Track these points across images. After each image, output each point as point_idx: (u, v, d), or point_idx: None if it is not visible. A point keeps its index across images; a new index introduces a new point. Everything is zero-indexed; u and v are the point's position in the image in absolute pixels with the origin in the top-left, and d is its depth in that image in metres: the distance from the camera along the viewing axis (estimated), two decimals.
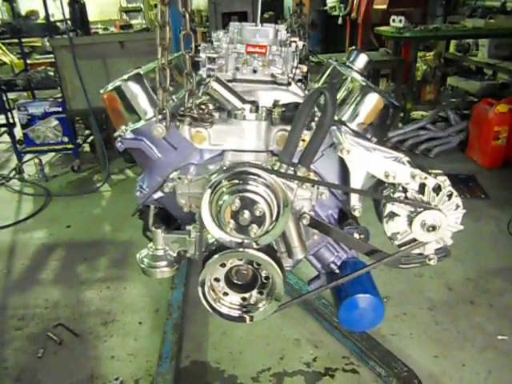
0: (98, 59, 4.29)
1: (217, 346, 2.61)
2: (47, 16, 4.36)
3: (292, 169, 1.06)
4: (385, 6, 8.32)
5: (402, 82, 5.18)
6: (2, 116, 5.01)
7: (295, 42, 1.34)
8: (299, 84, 1.41)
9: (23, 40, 5.51)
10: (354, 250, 1.30)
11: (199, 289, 1.15)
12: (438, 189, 1.08)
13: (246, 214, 1.00)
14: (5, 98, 5.25)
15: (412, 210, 1.09)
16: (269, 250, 1.12)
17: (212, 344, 2.61)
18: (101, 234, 3.84)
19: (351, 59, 1.55)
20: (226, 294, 1.19)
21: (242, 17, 4.58)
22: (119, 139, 1.20)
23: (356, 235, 1.20)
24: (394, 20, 5.20)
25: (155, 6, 10.20)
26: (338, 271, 1.32)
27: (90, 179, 4.88)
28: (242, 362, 2.49)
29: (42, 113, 4.65)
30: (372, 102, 1.18)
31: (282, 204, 1.04)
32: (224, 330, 2.69)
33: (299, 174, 1.06)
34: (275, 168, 1.05)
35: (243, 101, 1.16)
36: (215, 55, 1.31)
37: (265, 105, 1.26)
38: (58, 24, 5.24)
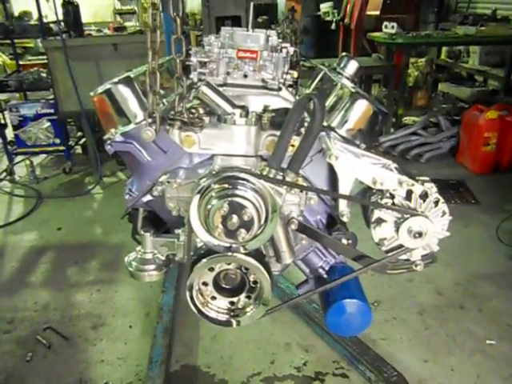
0: (91, 61, 4.28)
1: (207, 350, 2.60)
2: (40, 17, 4.35)
3: (281, 174, 1.07)
4: (377, 12, 8.40)
5: (393, 87, 5.22)
6: None
7: (286, 47, 1.34)
8: (290, 89, 1.43)
9: (16, 41, 5.50)
10: (342, 255, 1.31)
11: (187, 293, 1.15)
12: (424, 196, 1.09)
13: (235, 218, 1.01)
14: None
15: (399, 216, 1.10)
16: (257, 255, 1.12)
17: (203, 348, 2.60)
18: (92, 236, 3.82)
19: (342, 65, 1.57)
20: (214, 298, 1.19)
21: (236, 21, 4.60)
22: (109, 142, 1.19)
23: (344, 240, 1.20)
24: (386, 26, 5.25)
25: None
26: (326, 276, 1.32)
27: (81, 181, 4.85)
28: (232, 367, 2.48)
29: (34, 114, 4.63)
30: (361, 108, 1.19)
31: (270, 209, 1.04)
32: (215, 334, 2.69)
33: (288, 179, 1.06)
34: (264, 173, 1.06)
35: (233, 105, 1.17)
36: (206, 59, 1.32)
37: (255, 110, 1.26)
38: (51, 25, 5.22)
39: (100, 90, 1.21)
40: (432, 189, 1.09)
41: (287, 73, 1.37)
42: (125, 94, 1.19)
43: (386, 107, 1.41)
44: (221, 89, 1.34)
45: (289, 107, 1.19)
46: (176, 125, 1.14)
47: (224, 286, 1.19)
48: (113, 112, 1.20)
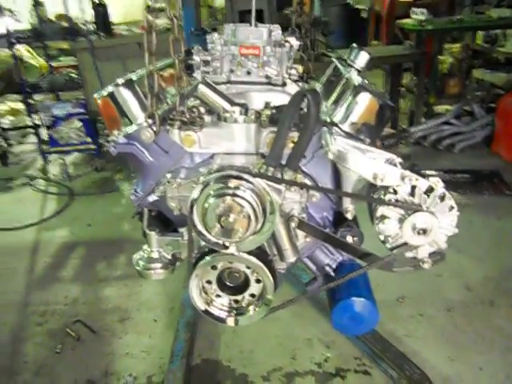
0: (118, 61, 4.37)
1: (229, 344, 2.62)
2: (69, 20, 4.48)
3: (279, 171, 1.05)
4: None
5: (424, 75, 5.05)
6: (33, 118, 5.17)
7: (288, 41, 1.32)
8: (298, 83, 1.40)
9: (53, 43, 5.69)
10: (345, 253, 1.28)
11: (189, 291, 1.16)
12: (430, 191, 1.05)
13: (231, 217, 1.00)
14: (32, 101, 5.44)
15: (403, 212, 1.06)
16: (259, 253, 1.11)
17: (224, 343, 2.63)
18: (120, 232, 3.92)
19: (351, 57, 1.52)
20: (218, 296, 1.19)
21: (258, 14, 4.56)
22: (112, 144, 1.21)
23: (349, 238, 1.17)
24: (415, 12, 5.06)
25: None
26: (333, 274, 1.30)
27: (111, 178, 4.98)
28: (253, 361, 2.49)
29: (66, 114, 4.78)
30: (364, 102, 1.14)
31: (268, 209, 1.03)
32: (236, 328, 2.70)
33: (286, 176, 1.05)
34: (261, 171, 1.04)
35: (232, 103, 1.16)
36: (209, 58, 1.32)
37: (259, 106, 1.25)
38: (81, 27, 5.36)
39: (103, 92, 1.23)
40: (438, 184, 1.04)
41: (292, 67, 1.34)
42: (126, 96, 1.21)
43: (392, 100, 1.36)
44: (224, 86, 1.34)
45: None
46: (176, 125, 1.15)
47: (228, 284, 1.19)
48: (116, 114, 1.22)
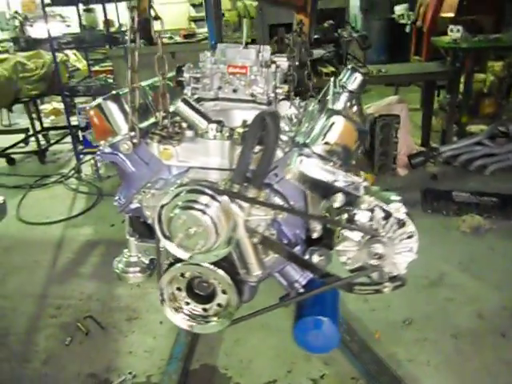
0: (152, 69, 4.54)
1: (228, 352, 2.66)
2: (107, 27, 4.71)
3: (243, 189, 1.09)
4: (452, 14, 7.94)
5: (457, 93, 4.93)
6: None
7: (274, 62, 1.36)
8: (283, 102, 1.45)
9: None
10: (307, 271, 1.29)
11: (159, 297, 1.21)
12: (388, 217, 1.05)
13: (191, 229, 1.05)
14: (72, 102, 5.75)
15: (361, 236, 1.07)
16: (225, 265, 1.15)
17: (224, 350, 2.66)
18: None
19: (344, 78, 1.55)
20: (187, 303, 1.25)
21: (289, 28, 4.62)
22: (98, 153, 1.30)
23: (315, 257, 1.19)
24: (451, 30, 4.97)
25: (222, 15, 10.51)
26: (302, 290, 1.32)
27: None
28: (249, 371, 2.52)
29: None
30: (336, 125, 1.16)
31: (229, 224, 1.07)
32: (238, 337, 2.74)
33: (249, 194, 1.09)
34: (226, 187, 1.09)
35: (209, 121, 1.22)
36: (198, 75, 1.38)
37: (241, 124, 1.30)
38: (121, 34, 5.62)
39: (93, 104, 1.32)
40: (398, 210, 1.04)
41: (278, 87, 1.39)
42: (112, 109, 1.29)
43: (364, 125, 1.34)
44: (212, 103, 1.40)
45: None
46: (155, 138, 1.22)
47: (197, 292, 1.24)
48: (103, 125, 1.30)
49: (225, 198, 1.07)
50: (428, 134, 5.58)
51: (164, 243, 1.13)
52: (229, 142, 1.19)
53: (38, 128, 6.15)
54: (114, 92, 1.33)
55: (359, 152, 1.19)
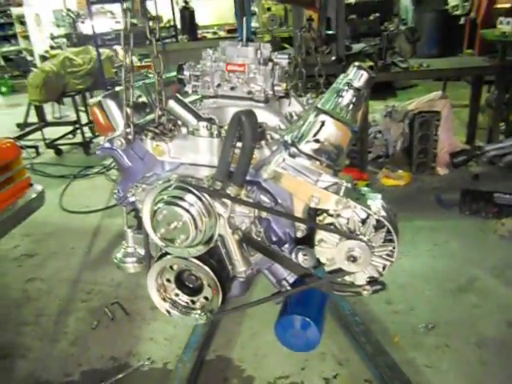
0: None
1: (244, 345, 2.69)
2: (147, 23, 4.83)
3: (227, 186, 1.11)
4: (509, 5, 7.48)
5: (505, 90, 4.65)
6: None
7: (272, 60, 1.36)
8: (282, 100, 1.45)
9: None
10: (288, 269, 1.28)
11: (149, 289, 1.26)
12: (366, 219, 1.03)
13: (172, 224, 1.09)
14: None
15: (338, 238, 1.06)
16: (209, 260, 1.18)
17: (240, 343, 2.70)
18: None
19: (350, 76, 1.52)
20: (177, 294, 1.29)
21: (327, 22, 4.55)
22: (98, 148, 1.36)
23: (300, 256, 1.19)
24: (501, 22, 4.68)
25: (268, 9, 10.50)
26: (289, 288, 1.31)
27: None
28: (263, 365, 2.54)
29: None
30: (323, 124, 1.15)
31: (211, 221, 1.10)
32: (255, 331, 2.77)
33: (230, 192, 1.10)
34: (208, 185, 1.11)
35: (199, 118, 1.24)
36: (198, 73, 1.41)
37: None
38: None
39: (95, 101, 1.38)
40: (377, 213, 1.02)
41: (276, 84, 1.39)
42: (111, 106, 1.34)
43: (355, 125, 1.29)
44: (212, 100, 1.43)
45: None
46: (149, 135, 1.26)
47: (187, 284, 1.28)
48: (104, 121, 1.36)
49: (205, 195, 1.09)
50: (473, 132, 5.32)
51: (151, 236, 1.18)
52: (217, 140, 1.21)
53: (85, 121, 6.45)
54: (115, 89, 1.38)
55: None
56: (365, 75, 1.50)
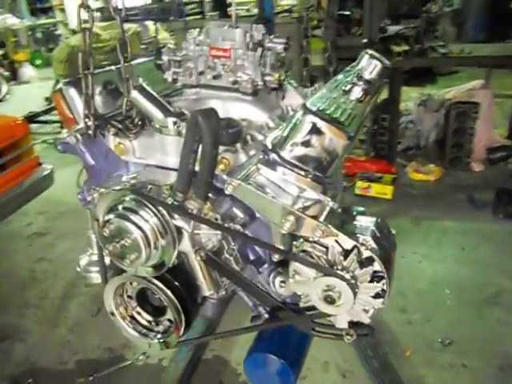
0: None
1: (244, 348, 2.52)
2: (173, 1, 4.66)
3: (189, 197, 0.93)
4: None
5: None
6: None
7: (263, 45, 1.16)
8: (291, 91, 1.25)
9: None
10: (258, 300, 1.09)
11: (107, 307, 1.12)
12: (349, 252, 0.82)
13: (121, 241, 0.92)
14: None
15: (315, 272, 0.86)
16: (170, 281, 1.01)
17: (240, 345, 2.56)
18: None
19: (360, 65, 1.29)
20: (138, 313, 1.13)
21: (359, 2, 4.21)
22: (59, 142, 1.20)
23: (277, 282, 1.00)
24: None
25: None
26: (267, 316, 1.13)
27: None
28: None
29: None
30: (309, 127, 0.94)
31: (167, 239, 0.93)
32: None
33: (191, 206, 0.92)
34: (168, 197, 0.93)
35: (167, 113, 1.05)
36: (178, 58, 1.22)
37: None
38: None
39: (57, 87, 1.22)
40: (365, 244, 0.81)
41: (268, 74, 1.18)
42: (72, 94, 1.17)
43: (354, 128, 1.07)
44: (194, 90, 1.24)
45: (232, 118, 1.03)
46: (111, 130, 1.09)
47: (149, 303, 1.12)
48: (66, 112, 1.20)
49: (162, 210, 0.92)
50: None
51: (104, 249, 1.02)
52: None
53: None
54: (77, 76, 1.21)
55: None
56: (378, 65, 1.27)
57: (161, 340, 1.11)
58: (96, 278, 1.26)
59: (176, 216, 0.96)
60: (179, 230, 0.97)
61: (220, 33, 1.19)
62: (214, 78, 1.19)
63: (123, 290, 1.11)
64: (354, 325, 0.90)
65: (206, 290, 1.04)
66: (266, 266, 1.08)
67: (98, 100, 1.16)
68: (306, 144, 0.95)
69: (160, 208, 0.93)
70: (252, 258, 1.09)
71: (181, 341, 1.10)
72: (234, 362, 2.46)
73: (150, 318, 1.12)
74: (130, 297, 1.13)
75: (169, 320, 1.09)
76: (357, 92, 1.25)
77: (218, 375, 2.40)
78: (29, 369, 2.47)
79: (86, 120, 1.10)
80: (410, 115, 4.89)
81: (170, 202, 0.94)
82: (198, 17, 5.93)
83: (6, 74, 8.36)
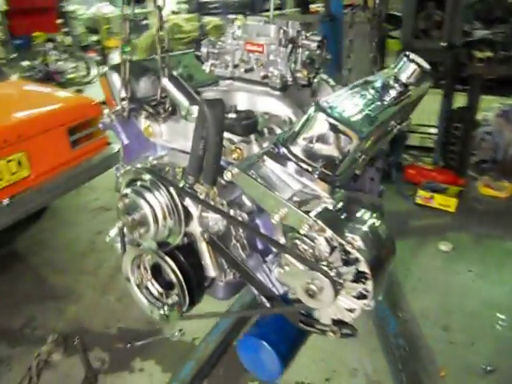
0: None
1: None
2: None
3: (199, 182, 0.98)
4: None
5: None
6: None
7: (295, 42, 1.17)
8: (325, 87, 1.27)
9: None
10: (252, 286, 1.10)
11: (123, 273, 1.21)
12: (334, 249, 0.82)
13: (132, 215, 1.00)
14: None
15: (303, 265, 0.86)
16: (179, 258, 1.08)
17: None
18: None
19: (397, 68, 1.28)
20: (152, 283, 1.22)
21: (440, 3, 3.99)
22: (101, 121, 1.31)
23: (275, 269, 1.01)
24: None
25: None
26: (268, 304, 1.15)
27: None
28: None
29: None
30: (318, 124, 0.93)
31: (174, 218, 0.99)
32: None
33: (199, 190, 0.97)
34: (181, 180, 1.00)
35: (194, 102, 1.11)
36: (215, 50, 1.28)
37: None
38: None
39: (103, 72, 1.32)
40: (351, 243, 0.80)
41: (297, 70, 1.20)
42: (113, 78, 1.27)
43: (367, 129, 1.02)
44: (228, 82, 1.29)
45: (251, 111, 1.06)
46: (143, 113, 1.17)
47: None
48: (109, 93, 1.30)
49: (173, 191, 0.98)
50: None
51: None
52: None
53: None
54: (118, 62, 1.31)
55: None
56: (413, 68, 1.24)
57: (163, 312, 1.19)
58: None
59: (186, 199, 1.02)
60: (188, 211, 1.03)
61: (256, 28, 1.23)
62: (246, 71, 1.23)
63: (140, 261, 1.20)
64: (338, 323, 0.90)
65: (212, 270, 1.10)
66: (271, 255, 1.10)
67: (145, 85, 1.26)
68: (315, 141, 0.96)
69: (171, 189, 1.00)
70: (260, 246, 1.12)
71: (182, 316, 1.16)
72: None
73: (160, 290, 1.20)
74: (145, 268, 1.21)
75: (177, 295, 1.16)
76: (391, 93, 1.24)
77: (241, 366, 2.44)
78: (77, 328, 2.71)
79: (122, 102, 1.20)
80: (488, 126, 4.57)
81: (181, 185, 1.00)
82: (277, 12, 5.97)
83: (98, 58, 9.01)
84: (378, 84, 1.21)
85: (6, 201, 2.65)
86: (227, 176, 0.90)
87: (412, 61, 1.25)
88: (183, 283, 1.07)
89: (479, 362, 2.37)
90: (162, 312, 1.18)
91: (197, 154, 0.95)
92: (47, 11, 7.88)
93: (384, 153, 1.65)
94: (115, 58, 10.59)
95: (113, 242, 1.40)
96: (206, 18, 7.53)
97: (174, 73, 1.17)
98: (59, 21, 8.28)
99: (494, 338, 2.54)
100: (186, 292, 1.07)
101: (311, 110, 0.96)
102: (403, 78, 1.25)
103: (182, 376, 2.23)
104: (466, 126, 4.21)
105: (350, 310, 0.86)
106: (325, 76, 1.41)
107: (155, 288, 1.20)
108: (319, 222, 0.82)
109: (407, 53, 1.28)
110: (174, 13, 9.60)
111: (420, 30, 4.05)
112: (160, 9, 1.11)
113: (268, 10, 6.01)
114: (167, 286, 1.19)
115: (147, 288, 1.21)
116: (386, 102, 1.16)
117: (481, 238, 3.43)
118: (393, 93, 1.24)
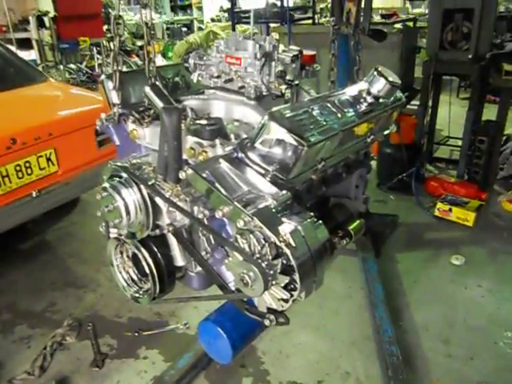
0: (312, 47, 4.57)
1: (274, 340, 2.67)
2: (281, 5, 4.88)
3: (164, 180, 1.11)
4: None
5: None
6: None
7: (269, 55, 1.29)
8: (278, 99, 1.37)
9: None
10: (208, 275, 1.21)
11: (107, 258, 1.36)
12: (264, 242, 0.91)
13: (107, 207, 1.14)
14: None
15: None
16: (150, 247, 1.21)
17: (271, 336, 2.68)
18: None
19: (369, 81, 1.36)
20: (130, 267, 1.36)
21: (468, 15, 3.94)
22: (97, 122, 1.46)
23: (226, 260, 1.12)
24: None
25: None
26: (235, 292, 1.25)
27: None
28: (283, 365, 2.50)
29: None
30: (271, 132, 1.03)
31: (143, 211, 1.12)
32: (290, 329, 2.71)
33: (165, 187, 1.09)
34: (151, 177, 1.13)
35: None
36: (201, 62, 1.41)
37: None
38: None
39: (100, 79, 1.48)
40: (279, 238, 0.89)
41: (271, 82, 1.31)
42: (110, 87, 1.41)
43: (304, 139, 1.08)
44: (212, 91, 1.42)
45: (218, 117, 1.18)
46: (130, 118, 1.32)
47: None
48: (105, 98, 1.45)
49: (143, 188, 1.12)
50: None
51: None
52: (183, 130, 1.20)
53: None
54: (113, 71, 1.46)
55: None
56: (382, 82, 1.32)
57: (136, 295, 1.32)
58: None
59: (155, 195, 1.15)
60: (158, 206, 1.16)
61: (236, 43, 1.35)
62: (226, 81, 1.35)
63: (123, 248, 1.34)
64: (273, 311, 1.00)
65: (180, 260, 1.22)
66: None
67: (137, 92, 1.41)
68: (269, 147, 1.06)
69: (141, 186, 1.13)
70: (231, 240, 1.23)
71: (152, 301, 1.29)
72: (260, 350, 2.59)
73: (138, 275, 1.33)
74: (128, 256, 1.35)
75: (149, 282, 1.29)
76: (358, 106, 1.32)
77: (243, 358, 2.54)
78: (92, 315, 2.90)
79: (114, 108, 1.35)
80: None
81: (151, 183, 1.13)
82: (307, 22, 6.07)
83: (140, 63, 9.42)
84: (345, 96, 1.30)
85: (34, 193, 2.90)
86: (182, 175, 1.02)
87: (381, 75, 1.32)
88: (154, 270, 1.19)
89: (475, 377, 2.35)
90: (136, 295, 1.31)
91: (163, 155, 1.08)
92: (94, 17, 8.34)
93: (370, 162, 1.72)
94: (157, 62, 11.02)
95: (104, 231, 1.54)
96: (243, 27, 7.74)
97: (157, 82, 1.31)
98: (105, 27, 8.74)
99: (495, 354, 2.51)
100: (156, 277, 1.20)
101: (265, 118, 1.06)
102: (374, 91, 1.33)
103: (180, 366, 2.36)
104: (492, 139, 4.13)
105: (284, 300, 0.95)
106: (307, 87, 1.51)
107: (135, 274, 1.34)
108: (254, 218, 0.92)
109: (377, 67, 1.36)
110: (212, 20, 9.89)
111: (447, 42, 4.02)
112: (147, 25, 1.25)
113: (299, 20, 6.13)
114: (144, 273, 1.32)
115: (128, 273, 1.35)
116: (349, 114, 1.24)
117: (496, 253, 3.37)
118: (361, 105, 1.32)
